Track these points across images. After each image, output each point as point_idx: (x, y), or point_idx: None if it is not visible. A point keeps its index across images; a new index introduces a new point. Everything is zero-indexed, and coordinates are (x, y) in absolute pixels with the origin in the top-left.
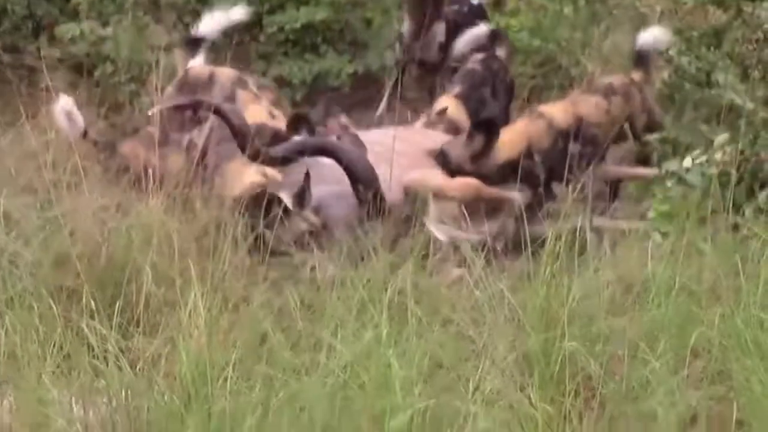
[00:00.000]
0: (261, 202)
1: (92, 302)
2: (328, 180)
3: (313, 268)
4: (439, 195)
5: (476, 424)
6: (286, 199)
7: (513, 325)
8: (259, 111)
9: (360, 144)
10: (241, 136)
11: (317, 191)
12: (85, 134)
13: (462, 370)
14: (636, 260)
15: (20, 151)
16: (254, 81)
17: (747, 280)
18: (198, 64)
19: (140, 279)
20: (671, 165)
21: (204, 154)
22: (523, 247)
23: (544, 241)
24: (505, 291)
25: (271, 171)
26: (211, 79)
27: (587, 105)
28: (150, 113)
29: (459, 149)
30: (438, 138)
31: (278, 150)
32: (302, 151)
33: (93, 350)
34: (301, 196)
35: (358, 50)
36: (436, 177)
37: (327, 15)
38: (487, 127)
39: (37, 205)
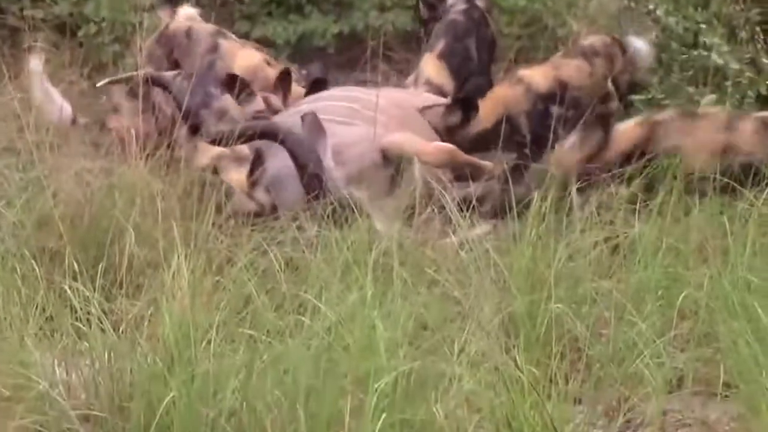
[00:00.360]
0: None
1: (75, 264)
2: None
3: (298, 229)
4: (415, 159)
5: (461, 386)
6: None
7: (499, 286)
8: (251, 55)
9: (319, 127)
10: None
11: (273, 168)
12: (74, 121)
13: (447, 331)
14: (622, 221)
15: (2, 111)
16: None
17: (734, 241)
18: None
19: (123, 240)
20: None
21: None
22: (508, 209)
23: (530, 203)
24: (491, 252)
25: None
26: (188, 35)
27: (569, 69)
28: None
29: (435, 119)
30: (422, 97)
31: (247, 127)
32: (251, 135)
33: (76, 312)
34: (252, 175)
35: (343, 10)
36: (412, 141)
37: None
38: (466, 104)
39: (19, 165)
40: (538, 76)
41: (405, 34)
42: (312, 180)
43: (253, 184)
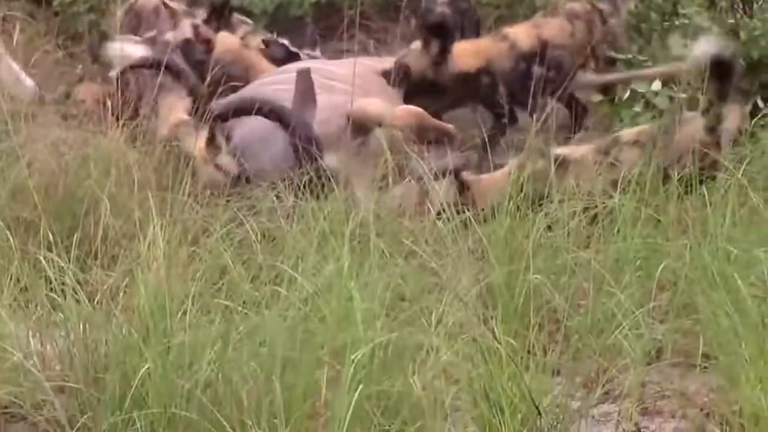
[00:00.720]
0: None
1: (50, 234)
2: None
3: (275, 199)
4: (382, 124)
5: (438, 358)
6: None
7: (477, 257)
8: (230, 39)
9: (311, 92)
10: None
11: (240, 135)
12: (41, 99)
13: (424, 302)
14: (601, 192)
15: None
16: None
17: (714, 211)
18: None
19: (98, 211)
20: (640, 86)
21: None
22: None
23: None
24: (469, 222)
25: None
26: (156, 12)
27: (551, 27)
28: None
29: (416, 57)
30: (387, 63)
31: (220, 105)
32: (243, 108)
33: (50, 283)
34: (211, 140)
35: None
36: (378, 105)
37: None
38: (439, 31)
39: None
40: (521, 34)
41: (383, 3)
42: (304, 148)
43: (215, 151)
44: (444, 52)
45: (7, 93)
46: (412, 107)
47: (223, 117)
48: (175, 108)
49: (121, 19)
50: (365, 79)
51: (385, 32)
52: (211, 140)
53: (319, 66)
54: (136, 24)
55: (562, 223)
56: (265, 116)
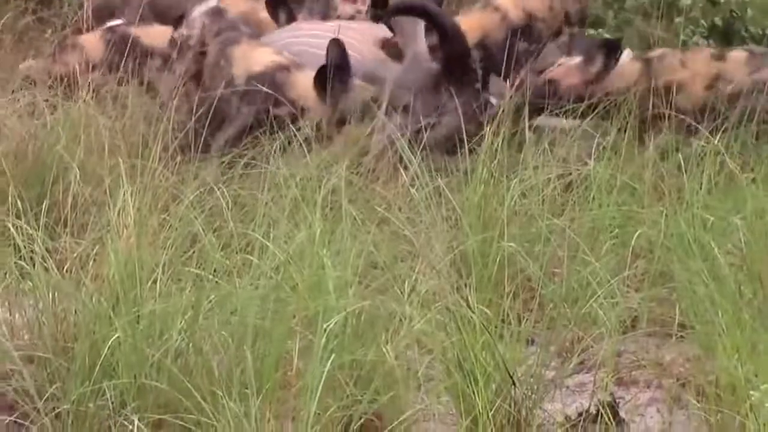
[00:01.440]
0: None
1: (18, 202)
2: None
3: (245, 166)
4: None
5: (412, 327)
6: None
7: (450, 224)
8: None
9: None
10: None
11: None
12: None
13: (397, 270)
14: (576, 158)
15: None
16: None
17: (690, 179)
18: None
19: (68, 178)
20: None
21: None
22: (459, 146)
23: (482, 139)
24: (442, 189)
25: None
26: None
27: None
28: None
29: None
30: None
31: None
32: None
33: (19, 251)
34: (342, 67)
35: None
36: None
37: None
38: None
39: None
40: (510, 5)
41: None
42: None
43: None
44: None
45: None
46: None
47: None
48: (259, 52)
49: None
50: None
51: None
52: (319, 78)
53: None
54: None
55: (537, 190)
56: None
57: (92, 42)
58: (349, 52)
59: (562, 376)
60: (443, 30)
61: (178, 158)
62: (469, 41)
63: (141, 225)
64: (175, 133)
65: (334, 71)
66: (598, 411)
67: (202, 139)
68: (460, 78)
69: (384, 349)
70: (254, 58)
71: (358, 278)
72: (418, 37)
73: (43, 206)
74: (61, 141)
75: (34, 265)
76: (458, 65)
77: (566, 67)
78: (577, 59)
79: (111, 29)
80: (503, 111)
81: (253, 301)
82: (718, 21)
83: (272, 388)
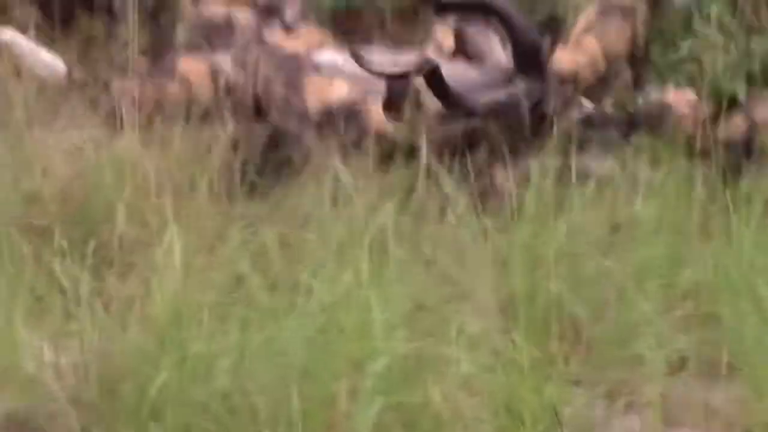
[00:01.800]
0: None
1: (64, 242)
2: None
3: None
4: None
5: (459, 369)
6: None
7: (497, 265)
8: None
9: None
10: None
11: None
12: (69, 75)
13: (444, 312)
14: (624, 198)
15: None
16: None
17: (738, 219)
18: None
19: (114, 218)
20: (654, 93)
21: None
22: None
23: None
24: (489, 230)
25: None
26: (228, 22)
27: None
28: None
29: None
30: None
31: None
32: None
33: (65, 292)
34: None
35: None
36: None
37: None
38: None
39: (7, 142)
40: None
41: (402, 10)
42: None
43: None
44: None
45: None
46: None
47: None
48: (332, 83)
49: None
50: None
51: (401, 38)
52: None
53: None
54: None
55: (584, 231)
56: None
57: (198, 73)
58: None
59: (609, 418)
60: (511, 24)
61: (225, 198)
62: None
63: (187, 265)
64: (226, 172)
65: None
66: None
67: (259, 176)
68: (529, 71)
69: (431, 392)
70: (329, 88)
71: (404, 320)
72: (493, 49)
73: (89, 247)
74: (107, 181)
75: (80, 306)
76: (528, 59)
77: (683, 99)
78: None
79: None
80: (551, 148)
81: (299, 342)
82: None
83: (318, 431)
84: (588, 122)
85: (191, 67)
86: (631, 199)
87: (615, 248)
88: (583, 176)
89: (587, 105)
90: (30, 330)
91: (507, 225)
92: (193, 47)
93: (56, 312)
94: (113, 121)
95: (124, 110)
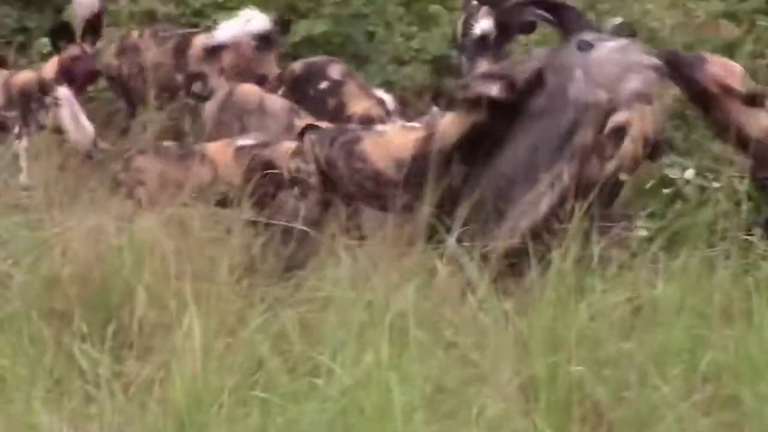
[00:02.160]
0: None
1: (84, 325)
2: None
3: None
4: None
5: None
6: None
7: (518, 348)
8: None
9: None
10: None
11: None
12: (95, 142)
13: (465, 395)
14: (645, 281)
15: (14, 168)
16: None
17: (759, 301)
18: None
19: (133, 301)
20: (672, 172)
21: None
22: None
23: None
24: (510, 313)
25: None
26: (261, 107)
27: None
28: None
29: None
30: None
31: None
32: None
33: (85, 375)
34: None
35: (360, 64)
36: None
37: (327, 28)
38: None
39: (27, 224)
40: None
41: (421, 88)
42: None
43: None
44: None
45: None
46: None
47: None
48: (398, 138)
49: (214, 112)
50: None
51: (419, 116)
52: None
53: None
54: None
55: (605, 313)
56: None
57: (224, 157)
58: None
59: None
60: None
61: (244, 281)
62: None
63: (207, 348)
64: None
65: None
66: None
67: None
68: None
69: None
70: (393, 142)
71: (425, 403)
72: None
73: (109, 330)
74: (126, 264)
75: (99, 389)
76: None
77: None
78: None
79: (242, 148)
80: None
81: (320, 425)
82: None
83: None
84: None
85: (218, 149)
86: (651, 282)
87: (636, 331)
88: (604, 259)
89: None
90: (49, 412)
91: (528, 307)
92: (222, 126)
93: (76, 395)
94: (133, 201)
95: (143, 190)
